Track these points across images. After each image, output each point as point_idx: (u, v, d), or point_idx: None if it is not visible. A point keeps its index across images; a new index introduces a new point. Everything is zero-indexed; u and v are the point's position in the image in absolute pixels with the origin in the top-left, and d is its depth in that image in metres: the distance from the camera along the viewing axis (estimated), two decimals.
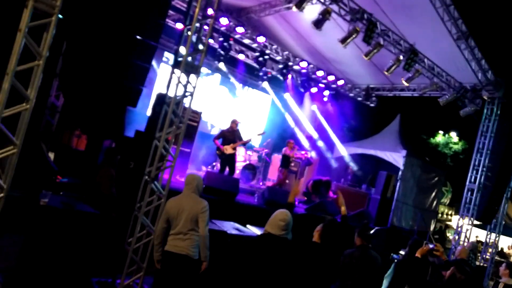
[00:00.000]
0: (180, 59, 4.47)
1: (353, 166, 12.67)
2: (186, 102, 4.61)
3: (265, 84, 12.61)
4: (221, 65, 11.14)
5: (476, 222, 10.33)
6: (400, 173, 10.26)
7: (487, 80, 9.74)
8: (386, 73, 8.91)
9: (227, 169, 8.57)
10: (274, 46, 10.85)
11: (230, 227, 5.31)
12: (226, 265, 4.08)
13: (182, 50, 4.52)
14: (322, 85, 12.53)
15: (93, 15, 4.30)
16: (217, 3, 5.00)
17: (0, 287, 3.75)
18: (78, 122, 6.36)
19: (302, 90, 12.74)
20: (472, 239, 11.10)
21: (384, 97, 12.93)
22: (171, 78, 4.69)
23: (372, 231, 8.37)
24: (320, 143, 13.07)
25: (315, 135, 13.17)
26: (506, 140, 9.80)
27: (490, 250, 10.73)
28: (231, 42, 10.14)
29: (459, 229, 10.30)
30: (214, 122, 12.01)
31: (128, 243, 4.57)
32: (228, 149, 8.46)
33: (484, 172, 10.02)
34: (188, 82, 4.49)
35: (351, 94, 13.21)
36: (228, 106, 12.36)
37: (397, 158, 10.79)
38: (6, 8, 3.28)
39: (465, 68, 9.38)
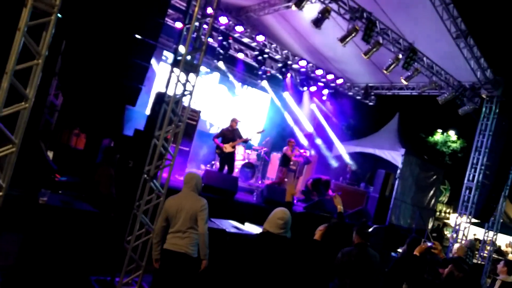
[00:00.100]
0: (179, 58, 4.47)
1: (351, 164, 12.69)
2: (185, 101, 4.62)
3: (264, 83, 12.62)
4: (220, 64, 11.14)
5: (474, 220, 10.37)
6: (398, 171, 10.30)
7: (486, 79, 9.76)
8: (385, 71, 8.93)
9: (226, 167, 8.59)
10: (273, 45, 10.85)
11: (229, 225, 5.32)
12: (225, 263, 4.09)
13: (181, 49, 4.52)
14: (321, 84, 12.53)
15: (92, 14, 4.30)
16: (217, 2, 4.99)
17: None
18: (77, 121, 6.34)
19: (301, 88, 12.76)
20: (470, 237, 11.13)
21: (383, 95, 12.95)
22: (170, 77, 4.69)
23: (370, 229, 8.39)
24: (319, 142, 13.08)
25: (314, 133, 13.18)
26: (505, 139, 9.83)
27: (487, 248, 10.77)
28: (230, 41, 10.15)
29: (457, 227, 10.34)
30: (213, 121, 12.02)
31: (127, 242, 4.58)
32: (227, 148, 8.48)
33: (483, 170, 10.05)
34: (187, 81, 4.50)
35: (350, 93, 13.22)
36: (227, 105, 12.36)
37: (395, 156, 10.82)
38: (5, 7, 3.28)
39: (464, 67, 9.39)
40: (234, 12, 9.82)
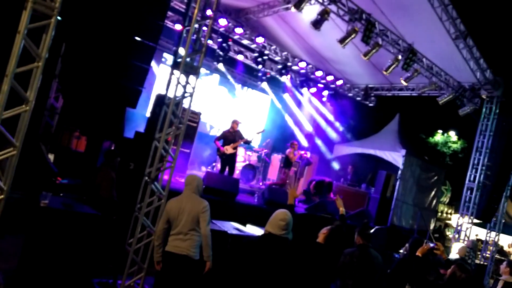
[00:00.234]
0: (179, 60, 4.47)
1: (351, 166, 12.67)
2: (186, 102, 4.61)
3: (264, 85, 12.63)
4: (220, 66, 11.15)
5: (476, 220, 10.35)
6: (399, 172, 10.28)
7: (486, 79, 9.76)
8: (385, 72, 8.93)
9: (227, 169, 8.58)
10: (273, 47, 10.86)
11: (231, 227, 5.31)
12: (227, 265, 4.08)
13: (181, 51, 4.52)
14: (321, 85, 12.54)
15: (92, 16, 4.30)
16: (216, 4, 5.00)
17: None
18: (77, 123, 6.35)
19: (301, 90, 12.76)
20: (472, 237, 11.11)
21: (383, 96, 12.96)
22: (170, 79, 4.69)
23: (372, 230, 8.38)
24: (320, 143, 13.08)
25: (314, 133, 13.17)
26: (505, 139, 9.83)
27: (490, 248, 10.74)
28: (230, 42, 10.16)
29: (458, 227, 10.32)
30: (213, 122, 12.02)
31: (129, 244, 4.57)
32: (228, 149, 8.47)
33: (484, 170, 10.04)
34: (187, 82, 4.50)
35: (350, 94, 13.22)
36: (227, 106, 12.37)
37: (396, 157, 10.80)
38: (5, 10, 3.29)
39: (464, 68, 9.40)
40: (233, 14, 9.84)
